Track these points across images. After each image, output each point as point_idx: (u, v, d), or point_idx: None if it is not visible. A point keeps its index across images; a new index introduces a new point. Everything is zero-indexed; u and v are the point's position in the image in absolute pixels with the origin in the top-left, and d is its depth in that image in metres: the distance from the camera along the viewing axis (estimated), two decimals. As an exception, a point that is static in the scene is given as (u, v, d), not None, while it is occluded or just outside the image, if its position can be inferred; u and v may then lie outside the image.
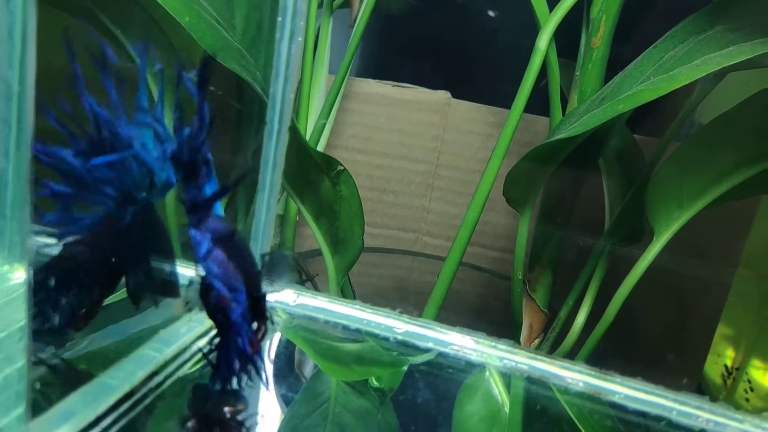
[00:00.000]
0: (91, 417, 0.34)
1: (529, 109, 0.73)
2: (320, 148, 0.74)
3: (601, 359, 0.71)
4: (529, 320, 0.72)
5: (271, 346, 0.52)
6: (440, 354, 0.57)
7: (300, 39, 0.42)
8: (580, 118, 0.61)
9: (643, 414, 0.47)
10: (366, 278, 0.86)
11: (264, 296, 0.41)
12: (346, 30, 0.78)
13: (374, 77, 0.85)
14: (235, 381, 0.41)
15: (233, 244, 0.38)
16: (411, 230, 0.87)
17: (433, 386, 0.54)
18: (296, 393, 0.54)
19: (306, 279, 0.71)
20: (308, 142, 0.72)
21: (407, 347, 0.57)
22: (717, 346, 0.76)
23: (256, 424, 0.43)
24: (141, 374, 0.39)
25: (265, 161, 0.45)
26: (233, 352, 0.39)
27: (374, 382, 0.56)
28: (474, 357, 0.56)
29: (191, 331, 0.45)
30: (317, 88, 0.75)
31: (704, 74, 0.54)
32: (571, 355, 0.68)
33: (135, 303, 0.40)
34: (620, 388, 0.49)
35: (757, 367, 0.71)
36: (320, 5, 0.78)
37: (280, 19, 0.41)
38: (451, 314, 0.80)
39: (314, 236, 0.62)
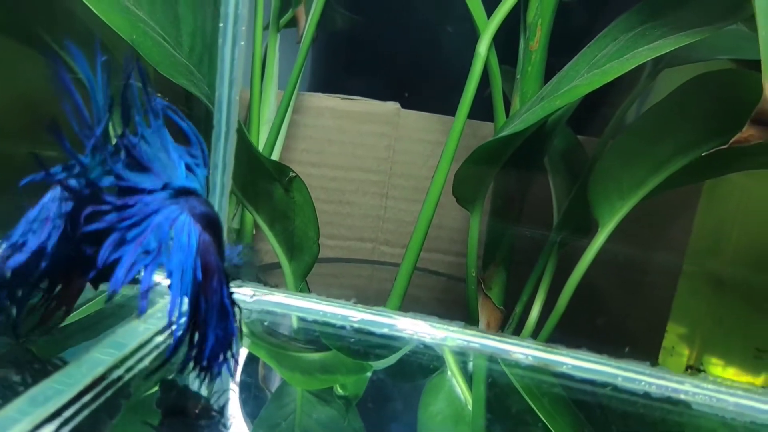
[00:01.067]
0: (32, 425, 0.35)
1: (475, 116, 0.76)
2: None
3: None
4: (485, 318, 0.74)
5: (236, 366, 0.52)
6: (401, 358, 0.59)
7: (242, 43, 0.44)
8: (521, 117, 0.64)
9: (590, 382, 0.49)
10: (326, 288, 0.87)
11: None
12: (295, 48, 0.81)
13: (325, 92, 0.87)
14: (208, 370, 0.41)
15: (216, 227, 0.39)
16: (368, 240, 0.89)
17: (396, 389, 0.55)
18: (262, 407, 0.54)
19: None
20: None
21: (364, 334, 0.58)
22: (669, 341, 0.79)
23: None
24: (89, 378, 0.39)
25: (215, 164, 0.47)
26: (212, 338, 0.40)
27: (339, 391, 0.57)
28: (428, 339, 0.57)
29: (146, 331, 0.46)
30: (267, 104, 0.77)
31: (633, 66, 0.57)
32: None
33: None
34: (567, 359, 0.50)
35: (715, 364, 0.74)
36: (266, 27, 0.80)
37: (222, 24, 0.43)
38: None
39: (270, 243, 0.64)
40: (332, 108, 0.86)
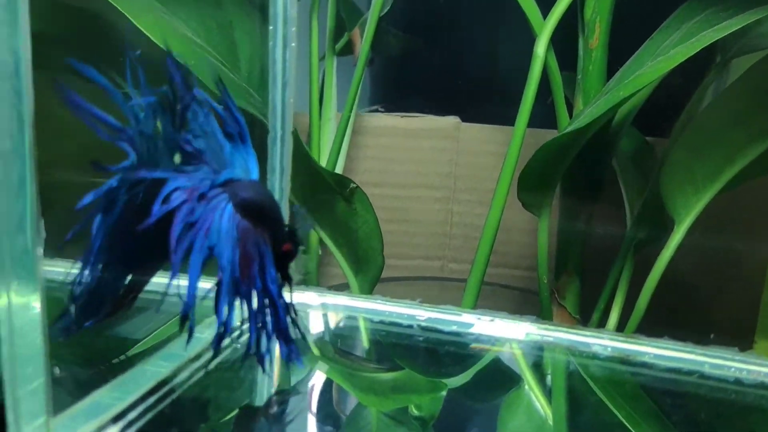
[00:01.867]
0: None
1: (540, 124, 0.74)
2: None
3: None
4: (562, 328, 0.71)
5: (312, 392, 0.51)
6: (476, 374, 0.57)
7: (293, 45, 0.44)
8: (585, 113, 0.62)
9: (675, 370, 0.46)
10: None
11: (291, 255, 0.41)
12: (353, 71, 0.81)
13: (387, 111, 0.87)
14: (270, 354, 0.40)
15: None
16: (435, 258, 0.87)
17: (473, 407, 0.53)
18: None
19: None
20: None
21: (432, 332, 0.56)
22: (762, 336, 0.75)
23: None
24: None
25: (272, 168, 0.46)
26: (253, 327, 0.39)
27: (414, 411, 0.56)
28: (500, 334, 0.55)
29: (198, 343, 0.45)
30: (327, 128, 0.77)
31: (699, 49, 0.55)
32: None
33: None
34: (648, 349, 0.48)
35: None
36: (322, 57, 0.81)
37: (271, 27, 0.43)
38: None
39: (336, 258, 0.63)
40: (392, 126, 0.85)
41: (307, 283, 0.66)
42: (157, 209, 0.36)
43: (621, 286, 0.68)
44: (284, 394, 0.46)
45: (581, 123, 0.60)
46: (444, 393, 0.55)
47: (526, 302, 0.83)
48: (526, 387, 0.55)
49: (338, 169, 0.76)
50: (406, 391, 0.57)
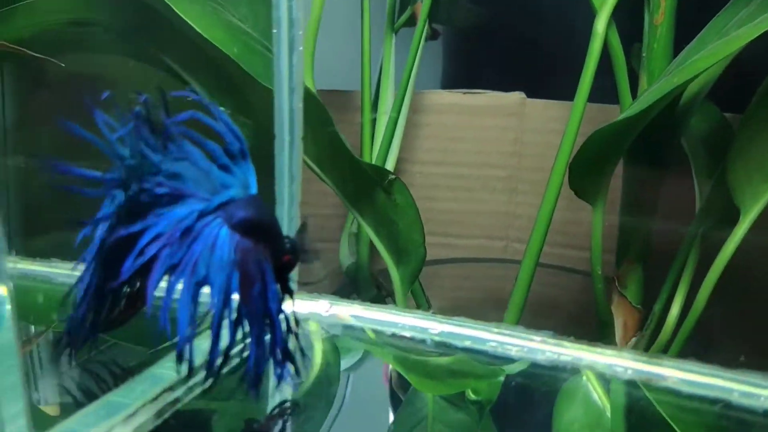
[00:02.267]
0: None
1: (608, 99, 0.71)
2: (390, 164, 0.74)
3: (704, 350, 0.66)
4: (622, 318, 0.68)
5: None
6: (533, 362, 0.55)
7: (300, 48, 0.42)
8: (639, 99, 0.58)
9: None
10: (456, 291, 0.85)
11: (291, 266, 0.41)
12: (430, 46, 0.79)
13: (453, 87, 0.85)
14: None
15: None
16: (498, 238, 0.85)
17: (529, 395, 0.52)
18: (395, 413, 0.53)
19: (386, 294, 0.71)
20: (376, 160, 0.72)
21: (445, 347, 0.55)
22: None
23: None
24: (153, 392, 0.40)
25: (281, 174, 0.46)
26: (253, 348, 0.39)
27: (471, 395, 0.55)
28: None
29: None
30: (384, 106, 0.75)
31: (761, 32, 0.50)
32: (666, 350, 0.63)
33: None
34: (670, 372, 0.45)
35: None
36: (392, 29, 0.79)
37: (275, 31, 0.42)
38: (541, 319, 0.77)
39: (378, 249, 0.62)
40: (454, 104, 0.83)
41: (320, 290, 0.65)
42: (128, 266, 0.36)
43: (685, 276, 0.65)
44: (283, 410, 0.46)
45: (634, 110, 0.56)
46: (502, 378, 0.54)
47: (588, 287, 0.80)
48: (584, 378, 0.54)
49: (393, 151, 0.74)
50: (464, 375, 0.57)
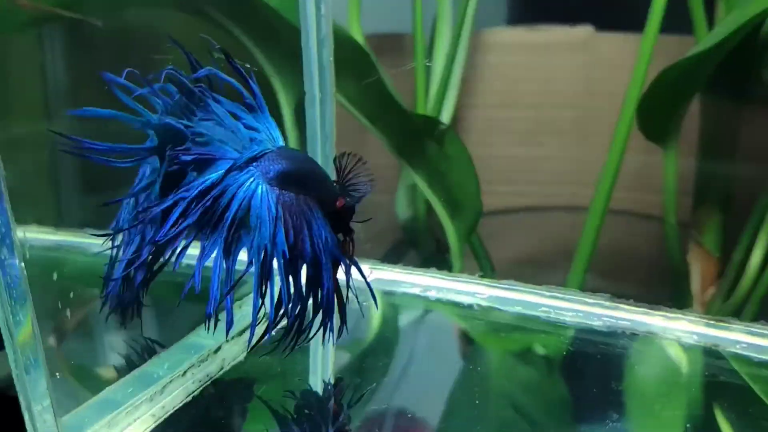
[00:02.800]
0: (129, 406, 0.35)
1: (684, 29, 0.65)
2: (448, 110, 0.71)
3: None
4: (699, 268, 0.64)
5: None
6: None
7: (329, -3, 0.39)
8: (713, 32, 0.53)
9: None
10: (523, 242, 0.81)
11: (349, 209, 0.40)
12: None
13: (515, 23, 0.80)
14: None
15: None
16: (569, 184, 0.80)
17: (598, 352, 0.49)
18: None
19: (445, 249, 0.68)
20: (432, 106, 0.69)
21: (492, 311, 0.53)
22: None
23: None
24: (187, 363, 0.39)
25: (312, 134, 0.43)
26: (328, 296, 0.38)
27: (538, 350, 0.53)
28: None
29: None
30: (441, 48, 0.72)
31: None
32: (746, 302, 0.59)
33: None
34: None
35: None
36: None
37: (298, -21, 0.39)
38: (613, 269, 0.73)
39: (431, 203, 0.59)
40: (517, 42, 0.78)
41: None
42: (163, 233, 0.36)
43: (766, 223, 0.59)
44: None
45: (708, 43, 0.51)
46: (572, 333, 0.52)
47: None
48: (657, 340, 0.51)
49: (451, 95, 0.71)
50: (529, 331, 0.55)
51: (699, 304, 0.64)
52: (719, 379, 0.44)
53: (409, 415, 0.42)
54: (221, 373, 0.41)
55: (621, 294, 0.70)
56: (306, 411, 0.41)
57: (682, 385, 0.45)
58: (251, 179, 0.37)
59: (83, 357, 0.47)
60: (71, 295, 0.46)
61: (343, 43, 0.54)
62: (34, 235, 0.55)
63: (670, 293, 0.67)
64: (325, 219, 0.38)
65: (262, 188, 0.37)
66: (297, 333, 0.39)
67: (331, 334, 0.40)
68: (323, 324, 0.39)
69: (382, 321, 0.54)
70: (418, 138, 0.57)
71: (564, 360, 0.49)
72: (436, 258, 0.71)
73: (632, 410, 0.43)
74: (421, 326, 0.55)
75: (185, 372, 0.39)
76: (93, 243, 0.50)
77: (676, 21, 0.62)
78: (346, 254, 0.39)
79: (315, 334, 0.40)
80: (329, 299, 0.39)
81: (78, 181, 0.63)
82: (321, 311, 0.39)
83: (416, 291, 0.54)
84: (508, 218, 0.81)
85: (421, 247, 0.72)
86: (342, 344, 0.46)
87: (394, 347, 0.51)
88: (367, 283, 0.41)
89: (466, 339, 0.55)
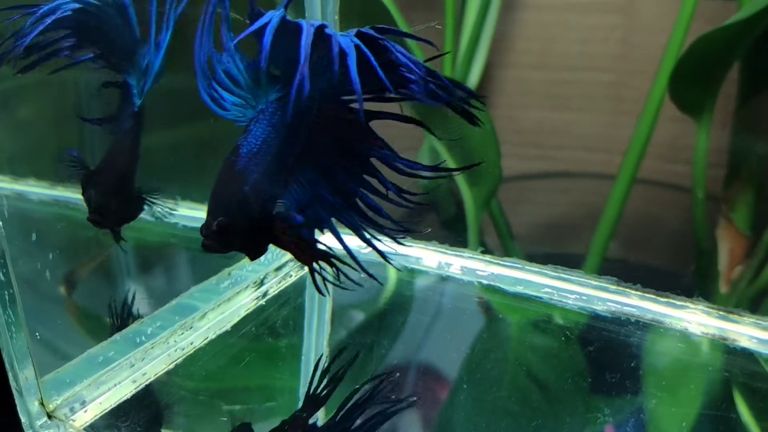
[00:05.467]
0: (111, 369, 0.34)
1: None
2: (477, 68, 0.69)
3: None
4: (728, 245, 0.62)
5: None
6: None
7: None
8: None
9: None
10: (550, 208, 0.79)
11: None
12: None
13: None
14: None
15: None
16: (600, 150, 0.78)
17: (601, 345, 0.49)
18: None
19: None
20: (461, 63, 0.67)
21: (493, 292, 0.51)
22: None
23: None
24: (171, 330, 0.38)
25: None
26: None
27: (559, 321, 0.53)
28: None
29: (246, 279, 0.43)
30: (473, 5, 0.69)
31: None
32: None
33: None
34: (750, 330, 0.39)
35: None
36: None
37: None
38: (639, 239, 0.72)
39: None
40: (554, 0, 0.75)
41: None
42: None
43: (802, 202, 0.57)
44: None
45: (750, 11, 0.48)
46: (571, 324, 0.51)
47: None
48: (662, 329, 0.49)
49: (482, 52, 0.68)
50: (549, 302, 0.54)
51: (725, 282, 0.62)
52: (728, 375, 0.43)
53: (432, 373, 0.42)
54: (205, 342, 0.41)
55: (646, 265, 0.68)
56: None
57: (696, 375, 0.44)
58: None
59: (71, 315, 0.47)
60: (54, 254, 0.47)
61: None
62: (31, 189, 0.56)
63: (694, 268, 0.65)
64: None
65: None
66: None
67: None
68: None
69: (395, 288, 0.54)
70: (438, 98, 0.55)
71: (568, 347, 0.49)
72: (456, 221, 0.70)
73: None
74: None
75: (168, 339, 0.38)
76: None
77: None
78: None
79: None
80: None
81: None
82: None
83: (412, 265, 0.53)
84: (533, 183, 0.79)
85: (442, 209, 0.71)
86: (357, 304, 0.46)
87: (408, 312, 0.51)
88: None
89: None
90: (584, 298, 0.48)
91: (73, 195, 0.58)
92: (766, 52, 0.57)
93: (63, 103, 0.65)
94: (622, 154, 0.78)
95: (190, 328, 0.39)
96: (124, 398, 0.36)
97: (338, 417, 0.37)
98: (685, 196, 0.74)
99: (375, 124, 0.42)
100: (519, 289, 0.50)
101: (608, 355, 0.47)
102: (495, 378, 0.44)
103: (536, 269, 0.50)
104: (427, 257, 0.55)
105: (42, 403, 0.32)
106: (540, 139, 0.78)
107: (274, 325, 0.44)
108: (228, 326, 0.42)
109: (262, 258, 0.39)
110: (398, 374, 0.43)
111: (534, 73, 0.77)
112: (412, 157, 0.75)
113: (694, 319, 0.44)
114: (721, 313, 0.42)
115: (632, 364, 0.45)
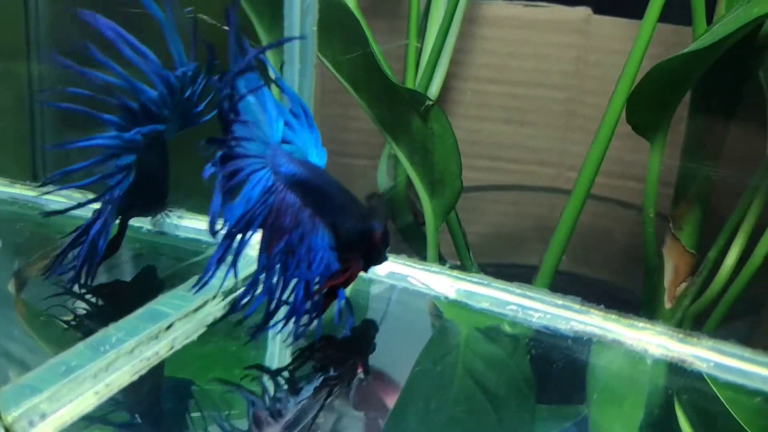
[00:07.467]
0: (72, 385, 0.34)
1: (684, 20, 0.64)
2: (438, 80, 0.70)
3: (753, 307, 0.61)
4: (674, 262, 0.64)
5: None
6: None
7: (314, -34, 0.38)
8: (712, 29, 0.52)
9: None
10: (501, 219, 0.81)
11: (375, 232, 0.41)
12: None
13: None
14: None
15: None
16: (552, 165, 0.80)
17: (563, 363, 0.49)
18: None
19: (422, 222, 0.68)
20: (422, 76, 0.68)
21: (459, 308, 0.52)
22: None
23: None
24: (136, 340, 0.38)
25: (289, 5, 0.41)
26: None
27: (507, 328, 0.53)
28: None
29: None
30: (435, 17, 0.70)
31: None
32: (716, 302, 0.59)
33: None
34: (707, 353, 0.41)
35: None
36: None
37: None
38: (590, 253, 0.73)
39: (411, 178, 0.59)
40: (513, 16, 0.77)
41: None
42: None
43: (745, 225, 0.59)
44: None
45: (705, 42, 0.50)
46: (534, 341, 0.52)
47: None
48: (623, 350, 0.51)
49: (442, 66, 0.69)
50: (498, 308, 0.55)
51: (669, 298, 0.65)
52: (683, 397, 0.44)
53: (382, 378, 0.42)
54: (171, 353, 0.41)
55: (594, 279, 0.70)
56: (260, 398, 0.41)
57: (643, 396, 0.46)
58: (262, 163, 0.39)
59: (28, 323, 0.46)
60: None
61: (333, 5, 0.52)
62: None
63: (642, 283, 0.67)
64: (330, 245, 0.40)
65: (264, 173, 0.39)
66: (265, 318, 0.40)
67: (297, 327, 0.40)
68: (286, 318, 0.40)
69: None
70: (402, 111, 0.56)
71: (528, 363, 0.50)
72: (412, 230, 0.71)
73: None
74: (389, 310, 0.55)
75: (133, 350, 0.38)
76: (51, 200, 0.49)
77: (675, 11, 0.62)
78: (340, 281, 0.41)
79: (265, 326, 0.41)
80: (299, 307, 0.39)
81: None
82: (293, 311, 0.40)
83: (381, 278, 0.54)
84: (488, 194, 0.81)
85: (398, 217, 0.72)
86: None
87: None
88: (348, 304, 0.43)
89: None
90: (548, 316, 0.49)
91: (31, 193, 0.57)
92: (715, 78, 0.60)
93: (14, 97, 0.64)
94: (573, 168, 0.80)
95: (156, 337, 0.39)
96: (87, 411, 0.35)
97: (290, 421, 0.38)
98: (634, 213, 0.76)
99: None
100: (485, 305, 0.51)
101: (562, 370, 0.48)
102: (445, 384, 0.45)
103: (503, 286, 0.51)
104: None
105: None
106: (494, 151, 0.80)
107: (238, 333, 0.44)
108: (194, 336, 0.42)
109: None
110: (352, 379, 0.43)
111: (491, 86, 0.79)
112: (373, 166, 0.76)
113: (654, 340, 0.46)
114: (680, 336, 0.44)
115: (584, 379, 0.46)
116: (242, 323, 0.41)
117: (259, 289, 0.40)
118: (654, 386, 0.46)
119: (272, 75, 0.40)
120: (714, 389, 0.42)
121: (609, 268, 0.75)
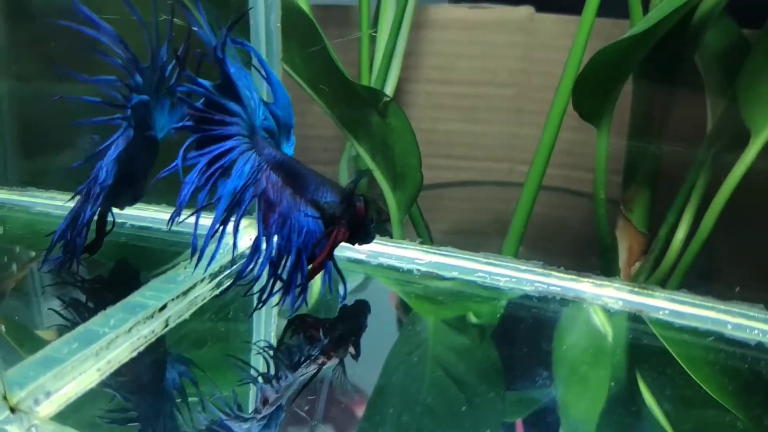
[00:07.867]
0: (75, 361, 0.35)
1: (621, 13, 0.67)
2: (391, 83, 0.72)
3: (703, 279, 0.64)
4: (627, 243, 0.67)
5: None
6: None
7: (276, -36, 0.40)
8: (647, 17, 0.55)
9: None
10: (459, 215, 0.83)
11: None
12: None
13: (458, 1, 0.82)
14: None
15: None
16: (504, 160, 0.82)
17: (530, 320, 0.51)
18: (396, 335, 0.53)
19: (386, 219, 0.69)
20: (375, 79, 0.69)
21: (431, 278, 0.54)
22: None
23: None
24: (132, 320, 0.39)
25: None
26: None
27: (472, 319, 0.54)
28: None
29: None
30: (385, 22, 0.72)
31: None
32: (668, 276, 0.62)
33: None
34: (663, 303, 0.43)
35: None
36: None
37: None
38: (546, 242, 0.76)
39: (374, 174, 0.61)
40: (459, 19, 0.79)
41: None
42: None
43: (692, 201, 0.62)
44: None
45: (642, 27, 0.53)
46: (504, 302, 0.53)
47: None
48: (585, 304, 0.53)
49: (394, 70, 0.72)
50: (464, 299, 0.56)
51: (625, 277, 0.67)
52: (642, 343, 0.46)
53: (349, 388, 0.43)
54: (166, 330, 0.42)
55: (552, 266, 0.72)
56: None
57: (606, 349, 0.48)
58: (249, 144, 0.42)
59: (26, 314, 0.47)
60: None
61: (288, 10, 0.54)
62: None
63: (598, 266, 0.69)
64: (314, 216, 0.42)
65: (253, 153, 0.42)
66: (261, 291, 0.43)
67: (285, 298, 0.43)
68: (280, 290, 0.43)
69: (322, 285, 0.55)
70: (361, 109, 0.57)
71: (497, 324, 0.51)
72: (377, 227, 0.72)
73: (559, 373, 0.45)
74: (361, 291, 0.56)
75: (130, 329, 0.39)
76: (36, 201, 0.50)
77: (614, 6, 0.65)
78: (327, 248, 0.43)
79: (267, 298, 0.43)
80: (292, 278, 0.42)
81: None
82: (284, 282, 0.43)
83: (357, 256, 0.55)
84: (445, 191, 0.83)
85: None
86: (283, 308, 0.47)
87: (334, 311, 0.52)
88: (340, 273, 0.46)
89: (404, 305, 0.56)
90: (514, 280, 0.51)
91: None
92: (655, 62, 0.63)
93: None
94: (525, 162, 0.83)
95: (151, 317, 0.41)
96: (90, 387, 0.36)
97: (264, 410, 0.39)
98: (586, 200, 0.79)
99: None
100: (455, 274, 0.53)
101: (530, 326, 0.50)
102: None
103: (470, 256, 0.53)
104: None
105: (5, 398, 0.32)
106: (449, 150, 0.82)
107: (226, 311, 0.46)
108: (187, 315, 0.44)
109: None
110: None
111: (441, 87, 0.81)
112: (333, 171, 0.78)
113: (613, 294, 0.48)
114: (636, 289, 0.46)
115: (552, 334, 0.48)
116: (246, 296, 0.44)
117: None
118: (615, 335, 0.48)
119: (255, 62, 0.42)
120: (671, 333, 0.44)
121: (566, 255, 0.77)
